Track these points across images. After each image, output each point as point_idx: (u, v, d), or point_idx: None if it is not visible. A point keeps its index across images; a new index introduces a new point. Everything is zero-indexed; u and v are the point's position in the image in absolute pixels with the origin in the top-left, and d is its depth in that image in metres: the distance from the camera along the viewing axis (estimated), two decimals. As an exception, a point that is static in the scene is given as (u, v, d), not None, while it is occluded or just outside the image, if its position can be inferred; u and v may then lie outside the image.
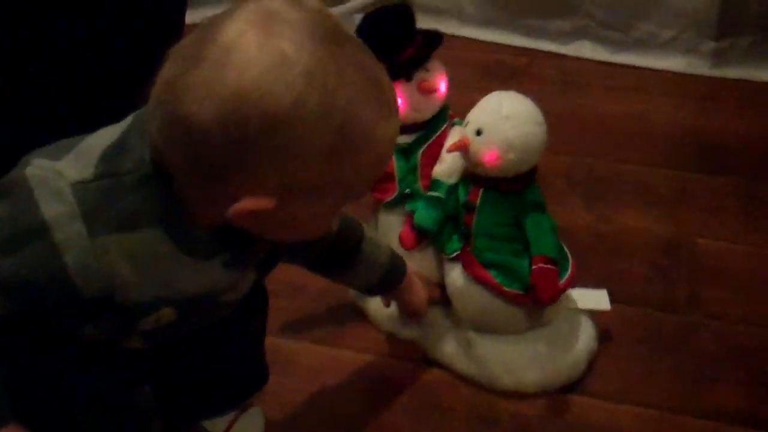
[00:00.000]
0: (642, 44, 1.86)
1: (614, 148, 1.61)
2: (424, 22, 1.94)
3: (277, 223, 0.71)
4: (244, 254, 0.79)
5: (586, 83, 1.82)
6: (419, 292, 1.10)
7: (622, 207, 1.46)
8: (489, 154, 1.06)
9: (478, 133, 1.07)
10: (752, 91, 1.78)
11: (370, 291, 1.09)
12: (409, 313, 1.13)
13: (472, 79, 1.78)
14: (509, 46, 1.93)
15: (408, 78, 1.13)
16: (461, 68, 1.83)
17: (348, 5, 1.93)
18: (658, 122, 1.70)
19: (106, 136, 0.73)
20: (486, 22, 1.94)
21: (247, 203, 0.67)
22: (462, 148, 1.08)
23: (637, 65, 1.86)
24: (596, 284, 1.22)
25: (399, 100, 1.11)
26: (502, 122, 1.06)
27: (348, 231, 0.96)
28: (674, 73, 1.84)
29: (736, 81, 1.81)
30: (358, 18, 1.87)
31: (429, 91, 1.14)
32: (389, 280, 1.05)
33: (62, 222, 0.69)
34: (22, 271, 0.69)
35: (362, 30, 1.12)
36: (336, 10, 1.91)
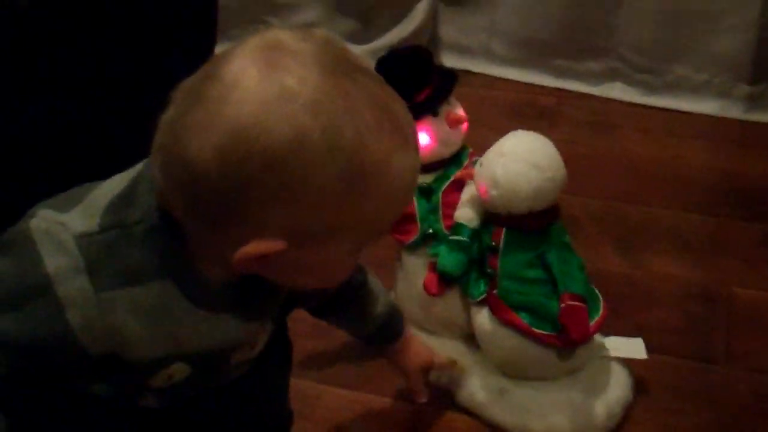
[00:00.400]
0: (674, 87, 1.83)
1: (646, 192, 1.58)
2: (451, 61, 1.97)
3: (296, 268, 0.67)
4: (262, 305, 0.76)
5: (616, 125, 1.79)
6: (414, 359, 1.03)
7: (655, 253, 1.43)
8: (480, 187, 1.07)
9: (480, 163, 1.08)
10: (786, 136, 1.76)
11: (362, 340, 1.03)
12: (402, 376, 1.06)
13: (500, 119, 1.76)
14: (538, 86, 1.91)
15: (435, 113, 1.11)
16: (489, 107, 1.82)
17: (373, 44, 1.92)
18: (690, 166, 1.67)
19: (115, 185, 0.70)
20: (515, 62, 1.93)
21: (254, 247, 0.64)
22: (467, 177, 1.10)
23: (669, 108, 1.83)
24: (630, 332, 1.19)
25: (427, 138, 1.10)
26: (497, 157, 1.06)
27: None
28: (707, 117, 1.81)
29: (771, 126, 1.78)
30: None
31: (459, 121, 1.12)
32: (381, 334, 1.00)
33: (65, 276, 0.66)
34: (26, 328, 0.66)
35: (380, 71, 1.10)
36: (363, 49, 1.90)
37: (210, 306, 0.71)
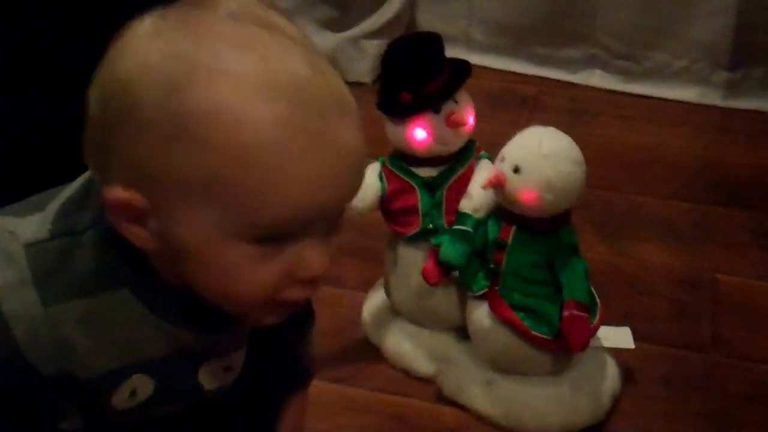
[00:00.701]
0: (654, 74, 1.84)
1: (628, 180, 1.58)
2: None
3: (178, 253, 0.60)
4: (225, 321, 0.69)
5: (596, 113, 1.79)
6: (298, 422, 0.91)
7: (639, 241, 1.43)
8: (528, 193, 1.02)
9: (516, 170, 1.02)
10: (766, 122, 1.76)
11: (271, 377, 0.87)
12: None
13: (481, 107, 1.70)
14: (518, 74, 1.90)
15: (436, 110, 1.07)
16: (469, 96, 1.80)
17: (351, 32, 1.90)
18: (671, 153, 1.67)
19: (72, 188, 0.66)
20: (494, 50, 1.92)
21: (113, 191, 0.59)
22: (499, 185, 1.03)
23: (648, 95, 1.84)
24: (616, 321, 1.19)
25: (424, 134, 1.07)
26: (542, 161, 1.01)
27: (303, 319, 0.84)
28: (686, 104, 1.81)
29: (749, 112, 1.79)
30: (366, 44, 1.87)
31: (458, 124, 1.08)
32: (294, 379, 0.88)
33: (11, 290, 0.61)
34: None
35: (389, 57, 1.08)
36: (341, 37, 1.88)
37: (172, 316, 0.66)
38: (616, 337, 1.14)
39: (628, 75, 1.85)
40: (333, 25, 1.89)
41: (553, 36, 1.88)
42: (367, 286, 1.27)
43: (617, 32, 1.83)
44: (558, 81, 1.88)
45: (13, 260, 0.62)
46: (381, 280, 1.24)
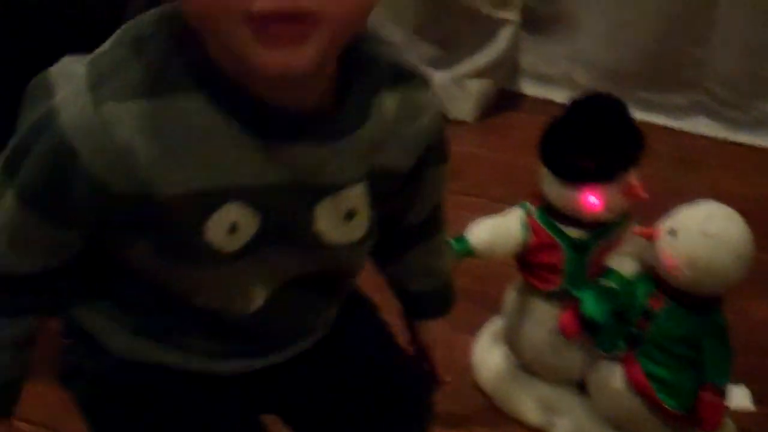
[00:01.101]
0: (762, 124, 1.80)
1: (737, 232, 1.54)
2: (532, 90, 1.95)
3: None
4: (324, 130, 0.61)
5: (702, 161, 1.76)
6: (433, 349, 0.86)
7: (750, 298, 1.39)
8: (670, 260, 1.00)
9: (672, 232, 1.00)
10: None
11: (408, 298, 0.84)
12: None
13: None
14: (621, 118, 1.88)
15: (611, 178, 1.04)
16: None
17: (454, 70, 1.91)
18: (781, 207, 1.63)
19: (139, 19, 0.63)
20: (597, 93, 1.90)
21: None
22: (647, 236, 1.01)
23: (756, 145, 1.81)
24: (733, 382, 1.16)
25: (597, 200, 1.04)
26: (701, 237, 0.98)
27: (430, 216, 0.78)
28: (796, 156, 1.78)
29: None
30: (469, 83, 1.87)
31: (637, 198, 1.05)
32: (432, 299, 0.83)
33: (68, 101, 0.58)
34: (36, 173, 0.59)
35: (572, 118, 1.06)
36: (444, 75, 1.88)
37: (258, 130, 0.59)
38: (735, 397, 1.12)
39: (735, 124, 1.82)
40: (437, 63, 1.90)
41: (657, 81, 1.86)
42: (477, 331, 1.26)
43: (725, 80, 1.81)
44: (663, 127, 1.85)
45: (74, 76, 0.59)
46: (492, 325, 1.23)
